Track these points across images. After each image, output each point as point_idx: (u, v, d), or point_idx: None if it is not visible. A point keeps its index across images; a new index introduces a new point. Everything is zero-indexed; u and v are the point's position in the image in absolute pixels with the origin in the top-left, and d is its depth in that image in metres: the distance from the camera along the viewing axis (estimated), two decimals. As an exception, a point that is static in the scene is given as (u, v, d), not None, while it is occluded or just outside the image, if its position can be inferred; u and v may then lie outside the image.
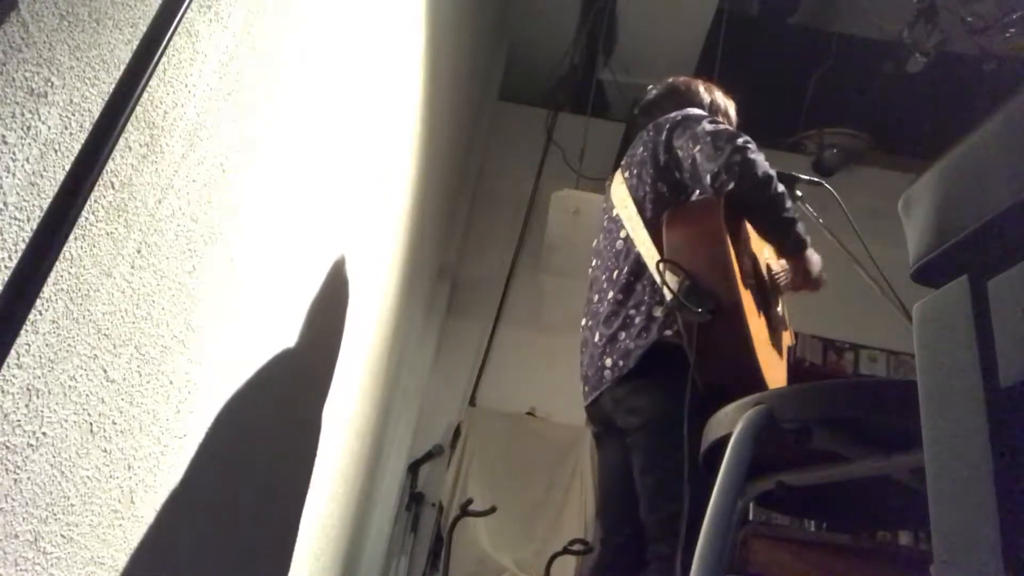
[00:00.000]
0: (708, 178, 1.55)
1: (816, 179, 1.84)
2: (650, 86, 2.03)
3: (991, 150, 0.54)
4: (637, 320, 1.60)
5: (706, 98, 1.92)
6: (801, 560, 3.19)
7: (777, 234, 1.61)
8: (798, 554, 3.20)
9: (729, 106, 1.96)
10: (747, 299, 1.50)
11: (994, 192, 0.52)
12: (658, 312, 1.56)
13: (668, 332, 1.53)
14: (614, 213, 1.80)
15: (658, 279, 1.54)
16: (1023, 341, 0.47)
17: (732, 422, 0.90)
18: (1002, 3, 3.18)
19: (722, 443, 0.92)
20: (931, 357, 0.55)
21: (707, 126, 1.62)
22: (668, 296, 1.48)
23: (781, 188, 1.55)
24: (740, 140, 1.54)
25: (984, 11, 3.24)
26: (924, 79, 3.63)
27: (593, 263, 1.88)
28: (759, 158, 1.53)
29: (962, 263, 0.54)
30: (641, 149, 1.78)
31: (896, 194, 0.64)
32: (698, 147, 1.59)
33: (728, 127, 1.63)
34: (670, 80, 2.00)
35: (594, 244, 1.93)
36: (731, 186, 1.51)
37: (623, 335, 1.62)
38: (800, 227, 1.59)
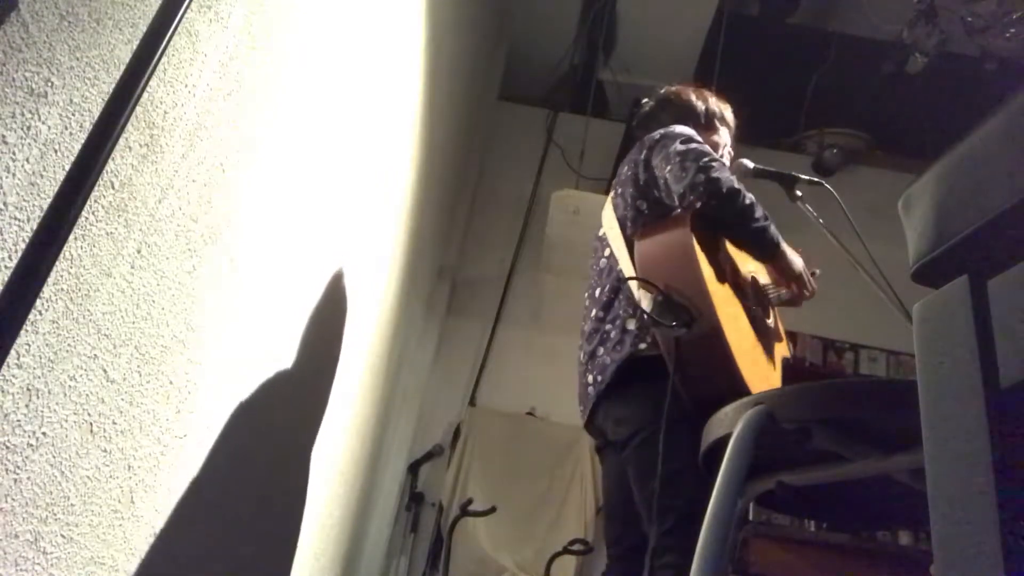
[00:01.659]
0: (676, 199, 1.60)
1: (816, 179, 1.84)
2: (644, 99, 2.04)
3: (991, 150, 0.54)
4: (612, 334, 1.63)
5: (700, 106, 1.93)
6: (801, 560, 3.19)
7: (750, 242, 1.64)
8: (798, 554, 3.20)
9: (725, 110, 1.96)
10: (726, 310, 1.51)
11: (994, 192, 0.52)
12: (631, 325, 1.59)
13: (642, 345, 1.55)
14: (601, 233, 1.84)
15: (635, 292, 1.56)
16: (1023, 341, 0.47)
17: (732, 422, 0.90)
18: (1002, 3, 3.18)
19: (722, 443, 0.92)
20: (931, 357, 0.55)
21: (678, 147, 1.64)
22: (646, 306, 1.49)
23: (749, 199, 1.57)
24: (704, 160, 1.57)
25: (984, 11, 3.23)
26: (924, 79, 3.63)
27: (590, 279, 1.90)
28: (723, 175, 1.56)
29: (962, 263, 0.54)
30: (626, 168, 1.81)
31: (896, 194, 0.64)
32: (668, 167, 1.63)
33: (697, 147, 1.64)
34: (663, 91, 2.00)
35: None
36: (699, 205, 1.55)
37: (601, 350, 1.65)
38: (772, 231, 1.60)
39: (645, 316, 1.47)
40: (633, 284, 1.55)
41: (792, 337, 3.80)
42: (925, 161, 0.60)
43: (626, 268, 1.65)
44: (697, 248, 1.52)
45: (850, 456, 0.87)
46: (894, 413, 0.80)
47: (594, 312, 1.72)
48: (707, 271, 1.52)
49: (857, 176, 4.18)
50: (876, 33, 3.83)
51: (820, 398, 0.88)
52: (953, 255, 0.55)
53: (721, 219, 1.58)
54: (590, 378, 1.67)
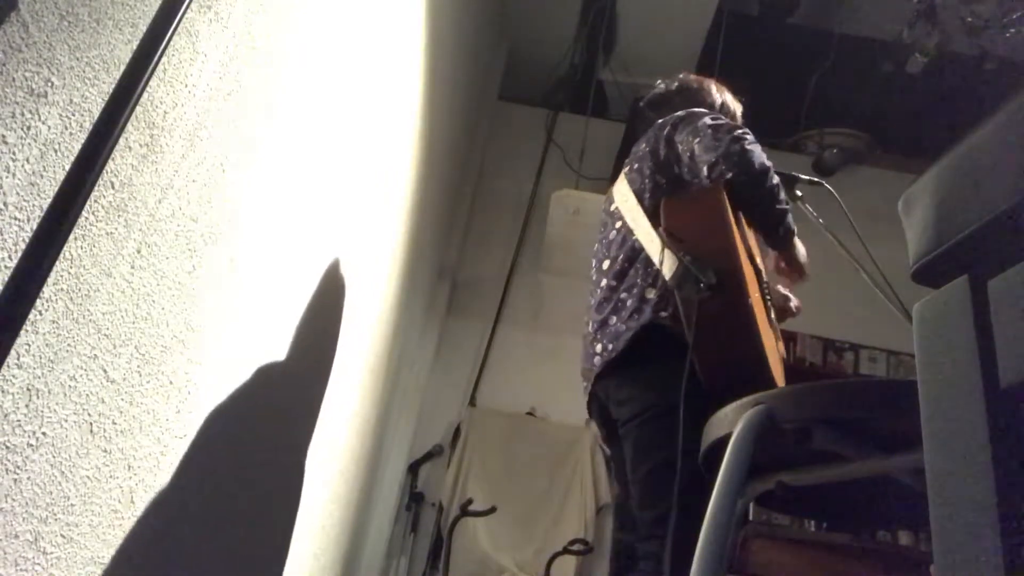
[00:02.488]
0: (705, 168, 1.56)
1: (816, 179, 1.84)
2: (659, 80, 2.01)
3: (991, 150, 0.54)
4: (629, 303, 1.58)
5: (717, 98, 1.92)
6: (801, 560, 3.19)
7: (769, 225, 1.62)
8: (798, 554, 3.21)
9: (737, 109, 1.96)
10: (749, 278, 1.49)
11: (994, 192, 0.52)
12: (651, 294, 1.55)
13: (663, 314, 1.51)
14: (612, 207, 1.80)
15: (655, 257, 1.53)
16: (1023, 341, 0.47)
17: (732, 422, 0.90)
18: (1002, 3, 3.18)
19: (722, 443, 0.92)
20: (931, 357, 0.55)
21: (708, 120, 1.63)
22: (669, 268, 1.46)
23: (776, 180, 1.56)
24: (739, 131, 1.56)
25: (984, 11, 3.24)
26: (924, 79, 3.63)
27: (592, 264, 1.87)
28: (756, 149, 1.54)
29: (962, 263, 0.54)
30: (644, 144, 1.78)
31: (896, 194, 0.64)
32: (698, 139, 1.60)
33: (729, 121, 1.63)
34: (682, 76, 1.98)
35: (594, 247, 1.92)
36: (728, 176, 1.51)
37: (614, 319, 1.60)
38: (790, 218, 1.60)
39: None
40: (656, 247, 1.52)
41: (792, 337, 3.80)
42: (925, 161, 0.60)
43: (644, 234, 1.61)
44: (731, 217, 1.50)
45: (850, 456, 0.87)
46: (894, 413, 0.80)
47: (604, 282, 1.67)
48: (739, 241, 1.49)
49: (857, 176, 4.18)
50: (876, 33, 3.83)
51: (820, 398, 0.88)
52: (953, 255, 0.55)
53: (747, 195, 1.55)
54: (598, 347, 1.61)
